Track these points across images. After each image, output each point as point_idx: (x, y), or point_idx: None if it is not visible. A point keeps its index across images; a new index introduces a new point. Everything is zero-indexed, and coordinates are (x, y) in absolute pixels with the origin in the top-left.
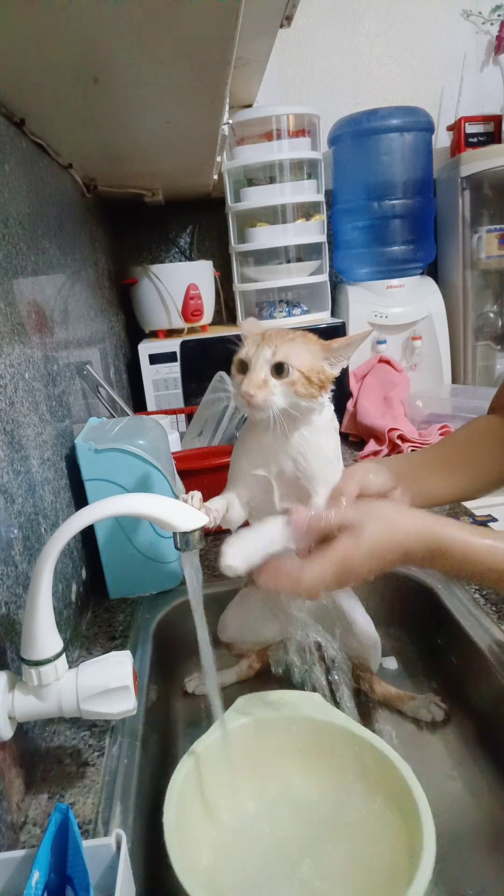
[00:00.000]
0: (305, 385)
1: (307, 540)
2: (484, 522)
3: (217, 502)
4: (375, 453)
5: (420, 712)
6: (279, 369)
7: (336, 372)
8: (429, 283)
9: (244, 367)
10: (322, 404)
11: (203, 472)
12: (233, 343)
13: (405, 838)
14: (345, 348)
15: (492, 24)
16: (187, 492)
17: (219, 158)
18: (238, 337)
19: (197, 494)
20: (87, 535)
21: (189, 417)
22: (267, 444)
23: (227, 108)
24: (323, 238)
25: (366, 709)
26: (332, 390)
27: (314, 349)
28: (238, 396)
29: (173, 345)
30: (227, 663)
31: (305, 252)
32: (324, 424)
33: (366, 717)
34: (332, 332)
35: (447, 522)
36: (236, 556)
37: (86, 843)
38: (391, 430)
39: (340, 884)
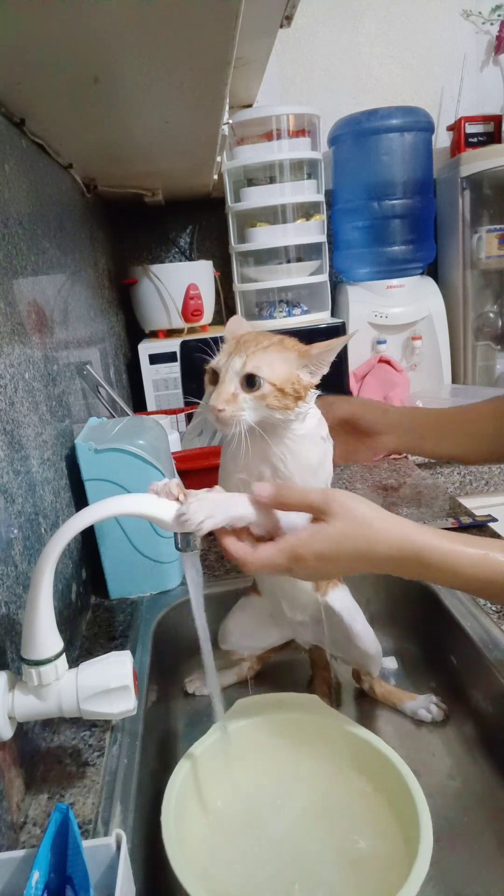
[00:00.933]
0: (278, 398)
1: (268, 517)
2: (484, 523)
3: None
4: None
5: (420, 712)
6: (250, 381)
7: (315, 380)
8: (429, 283)
9: (216, 378)
10: (302, 413)
11: (203, 472)
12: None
13: (403, 837)
14: (325, 354)
15: (492, 24)
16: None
17: (219, 158)
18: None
19: (175, 480)
20: (87, 535)
21: (189, 417)
22: (248, 449)
23: (227, 108)
24: (323, 238)
25: (366, 708)
26: (318, 394)
27: (290, 357)
28: (206, 408)
29: (173, 345)
30: (227, 664)
31: (305, 252)
32: (307, 432)
33: (366, 717)
34: (332, 332)
35: (425, 530)
36: (199, 511)
37: (86, 843)
38: None
39: (340, 884)
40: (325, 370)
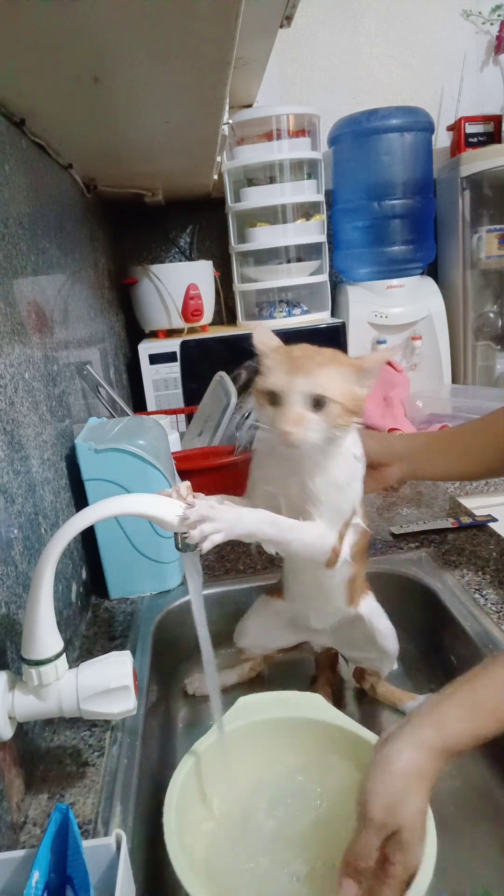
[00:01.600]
0: (343, 416)
1: (280, 537)
2: (484, 523)
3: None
4: None
5: None
6: (316, 402)
7: (367, 392)
8: (429, 283)
9: (273, 398)
10: (351, 430)
11: (203, 472)
12: (232, 343)
13: None
14: (377, 366)
15: (492, 24)
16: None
17: (219, 158)
18: (239, 339)
19: (185, 483)
20: (87, 535)
21: (189, 417)
22: (278, 462)
23: (227, 108)
24: (323, 238)
25: (366, 708)
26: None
27: (347, 372)
28: (271, 430)
29: (173, 345)
30: (228, 664)
31: (305, 252)
32: (339, 450)
33: (366, 717)
34: (332, 332)
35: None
36: (205, 520)
37: (86, 843)
38: (391, 430)
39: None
40: (375, 381)
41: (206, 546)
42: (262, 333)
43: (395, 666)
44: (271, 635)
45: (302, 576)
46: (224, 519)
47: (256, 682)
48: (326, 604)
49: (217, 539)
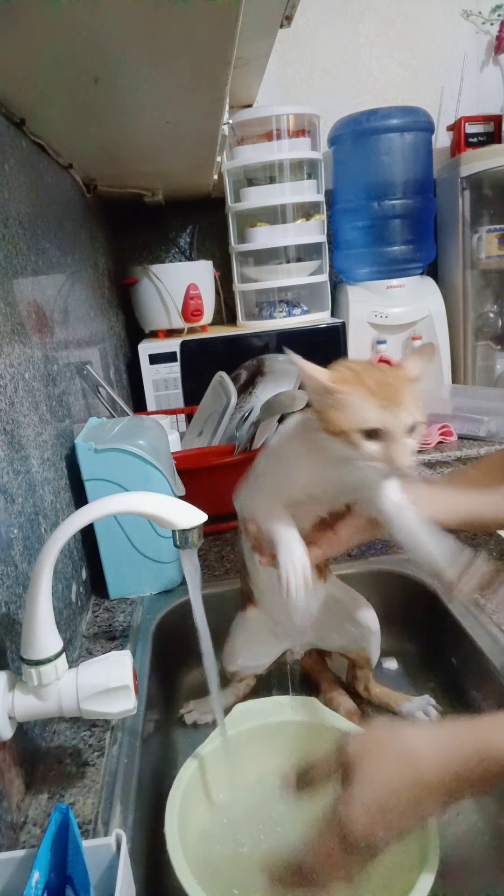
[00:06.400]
0: (421, 431)
1: None
2: None
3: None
4: None
5: (416, 715)
6: (412, 428)
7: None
8: (429, 283)
9: (373, 434)
10: None
11: (203, 472)
12: (232, 343)
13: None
14: (424, 371)
15: (492, 24)
16: (187, 492)
17: (219, 158)
18: (239, 339)
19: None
20: (87, 535)
21: (189, 417)
22: (326, 470)
23: (227, 108)
24: (323, 238)
25: (362, 711)
26: None
27: (413, 389)
28: (381, 464)
29: (173, 345)
30: (223, 683)
31: (305, 252)
32: None
33: (362, 720)
34: (332, 332)
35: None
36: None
37: (86, 843)
38: None
39: (343, 887)
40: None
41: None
42: (309, 369)
43: (396, 667)
44: (260, 650)
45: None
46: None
47: (252, 694)
48: None
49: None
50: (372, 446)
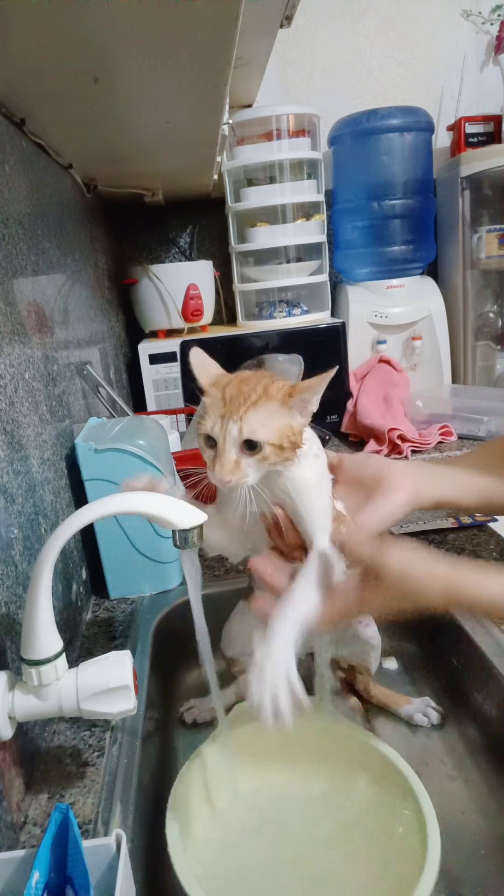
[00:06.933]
0: (277, 454)
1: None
2: (483, 523)
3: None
4: (376, 453)
5: (416, 716)
6: (249, 445)
7: (306, 420)
8: (429, 283)
9: (211, 441)
10: (300, 455)
11: (203, 472)
12: (232, 343)
13: (408, 842)
14: (308, 395)
15: (492, 24)
16: (188, 492)
17: (219, 158)
18: (239, 339)
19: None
20: (87, 534)
21: (189, 417)
22: (252, 501)
23: (227, 108)
24: (323, 238)
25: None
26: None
27: (277, 409)
28: (212, 476)
29: (173, 345)
30: (224, 683)
31: (305, 252)
32: (299, 459)
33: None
34: (331, 332)
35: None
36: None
37: (86, 843)
38: (391, 430)
39: (342, 887)
40: (314, 408)
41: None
42: (200, 358)
43: (396, 667)
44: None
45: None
46: (276, 667)
47: None
48: None
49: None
50: (207, 453)
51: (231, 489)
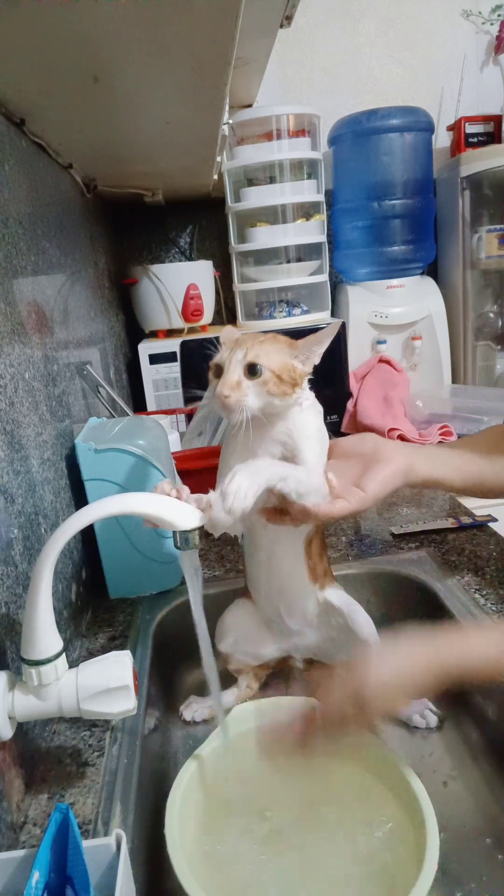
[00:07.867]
0: (277, 384)
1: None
2: (483, 523)
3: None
4: None
5: (414, 718)
6: (252, 370)
7: (308, 369)
8: (429, 283)
9: (220, 371)
10: (299, 400)
11: (203, 472)
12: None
13: (407, 836)
14: (312, 345)
15: (492, 24)
16: (192, 492)
17: (219, 158)
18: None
19: (167, 480)
20: (87, 535)
21: (189, 417)
22: (253, 438)
23: (227, 108)
24: (323, 238)
25: None
26: (310, 378)
27: (283, 348)
28: (214, 399)
29: (173, 345)
30: (225, 684)
31: (305, 252)
32: (300, 408)
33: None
34: None
35: (451, 651)
36: (239, 488)
37: (86, 843)
38: (391, 430)
39: (341, 886)
40: (316, 361)
41: (250, 499)
42: (228, 331)
43: None
44: (251, 638)
45: (257, 556)
46: (246, 475)
47: (254, 698)
48: (290, 580)
49: (251, 494)
50: (214, 383)
51: (230, 409)
